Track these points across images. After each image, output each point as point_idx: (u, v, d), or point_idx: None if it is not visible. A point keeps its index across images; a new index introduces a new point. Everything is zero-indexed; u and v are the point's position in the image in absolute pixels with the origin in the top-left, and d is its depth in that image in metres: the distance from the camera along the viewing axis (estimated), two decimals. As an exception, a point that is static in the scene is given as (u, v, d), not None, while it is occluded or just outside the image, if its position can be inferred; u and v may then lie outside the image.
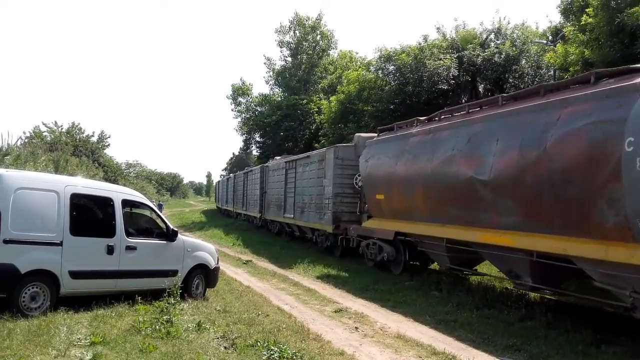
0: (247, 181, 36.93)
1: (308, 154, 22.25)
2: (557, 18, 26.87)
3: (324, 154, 19.33)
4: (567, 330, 8.64)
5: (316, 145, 36.69)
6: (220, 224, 37.89)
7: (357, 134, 19.10)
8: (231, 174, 52.49)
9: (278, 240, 26.06)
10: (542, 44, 26.75)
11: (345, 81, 36.00)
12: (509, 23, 30.53)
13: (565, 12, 21.55)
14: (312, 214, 20.17)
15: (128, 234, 9.69)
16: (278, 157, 30.65)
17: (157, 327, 7.56)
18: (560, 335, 8.45)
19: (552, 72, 25.13)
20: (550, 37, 27.32)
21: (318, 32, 55.35)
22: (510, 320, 9.51)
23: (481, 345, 8.16)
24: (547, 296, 11.15)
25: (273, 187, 27.34)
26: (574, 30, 18.77)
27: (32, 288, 8.33)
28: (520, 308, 10.02)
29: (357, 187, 17.58)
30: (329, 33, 55.74)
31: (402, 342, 8.23)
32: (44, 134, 44.82)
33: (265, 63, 58.85)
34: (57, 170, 23.77)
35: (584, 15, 17.19)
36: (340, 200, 17.95)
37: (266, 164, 30.57)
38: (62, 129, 46.87)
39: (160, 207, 48.83)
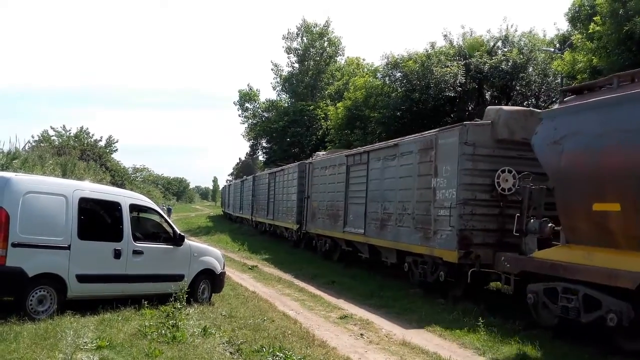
0: (274, 184, 29.65)
1: (395, 141, 15.20)
2: (564, 26, 26.91)
3: (434, 140, 12.56)
4: (572, 340, 8.62)
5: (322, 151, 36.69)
6: (226, 229, 37.94)
7: (491, 107, 12.72)
8: (246, 177, 45.36)
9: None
10: (549, 51, 26.74)
11: (352, 87, 36.06)
12: (516, 30, 30.53)
13: (573, 20, 21.59)
14: (407, 230, 13.37)
15: (135, 239, 9.74)
16: (322, 153, 24.33)
17: (163, 331, 7.59)
18: (565, 345, 8.43)
19: (559, 80, 25.11)
20: (557, 45, 27.34)
21: (325, 38, 55.50)
22: (515, 328, 9.48)
23: (486, 353, 8.16)
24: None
25: (322, 190, 20.27)
26: (582, 38, 18.79)
27: (40, 291, 8.39)
28: (526, 316, 9.97)
29: (499, 190, 11.28)
30: (336, 40, 55.90)
31: (408, 349, 8.24)
32: (52, 138, 45.23)
33: (272, 69, 59.12)
34: (64, 174, 23.90)
35: (592, 23, 17.22)
36: (471, 211, 11.43)
37: (309, 161, 23.48)
38: (70, 133, 47.31)
39: (169, 211, 48.97)
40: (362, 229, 16.00)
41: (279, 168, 30.15)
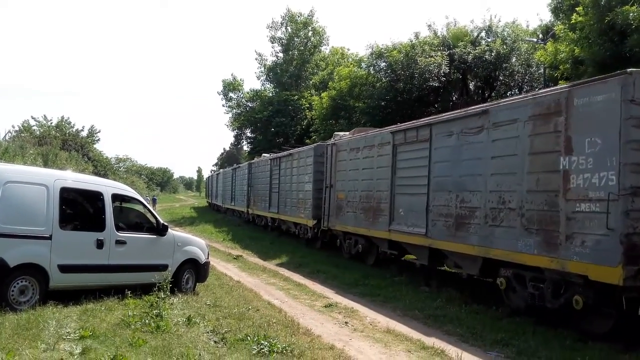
0: (279, 171, 24.97)
1: (483, 107, 11.08)
2: (547, 16, 27.16)
3: (564, 99, 8.56)
4: (555, 326, 8.73)
5: (307, 141, 36.67)
6: (211, 219, 37.82)
7: None
8: (239, 164, 41.75)
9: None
10: (532, 42, 26.93)
11: (336, 77, 36.07)
12: (499, 21, 30.77)
13: (556, 10, 21.72)
14: (509, 232, 9.48)
15: (118, 228, 9.65)
16: (342, 133, 19.81)
17: (147, 321, 7.55)
18: (547, 331, 8.54)
19: (542, 70, 25.30)
20: (540, 36, 27.54)
21: (310, 28, 55.38)
22: (498, 315, 9.59)
23: (470, 339, 8.24)
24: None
25: (353, 177, 16.40)
26: (564, 28, 18.91)
27: (21, 282, 8.29)
28: (509, 304, 10.08)
29: None
30: (320, 29, 55.83)
31: (392, 336, 8.28)
32: (33, 128, 44.69)
33: (256, 59, 58.98)
34: (46, 164, 23.70)
35: (574, 14, 17.33)
36: None
37: (331, 141, 18.87)
38: (51, 123, 46.76)
39: (154, 201, 48.81)
40: (421, 228, 12.25)
41: (286, 152, 25.21)
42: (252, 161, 33.89)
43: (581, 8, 16.90)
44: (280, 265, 16.31)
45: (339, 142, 17.81)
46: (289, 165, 23.59)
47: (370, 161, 15.25)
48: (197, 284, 11.07)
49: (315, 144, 21.73)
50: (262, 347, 6.80)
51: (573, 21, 17.40)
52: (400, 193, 13.56)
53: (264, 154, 32.24)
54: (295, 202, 22.02)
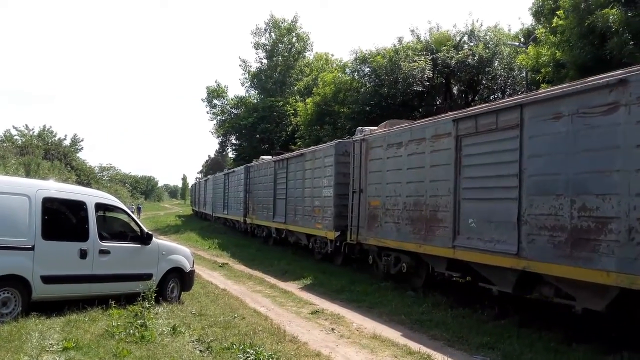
0: (286, 174, 21.48)
1: (621, 74, 7.43)
2: (528, 20, 27.41)
3: None
4: (539, 329, 8.78)
5: (292, 147, 36.63)
6: (196, 227, 37.61)
7: None
8: (233, 169, 37.52)
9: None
10: (514, 46, 27.18)
11: (321, 83, 36.10)
12: (481, 25, 31.04)
13: (537, 14, 21.97)
14: None
15: (101, 238, 9.57)
16: (370, 128, 15.58)
17: (131, 331, 7.48)
18: (532, 334, 8.58)
19: (524, 74, 25.53)
20: (522, 39, 27.81)
21: (294, 34, 55.56)
22: (484, 319, 9.63)
23: (456, 344, 8.27)
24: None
25: (392, 179, 13.23)
26: (545, 32, 19.13)
27: (3, 293, 8.19)
28: (494, 307, 10.13)
29: None
30: (304, 35, 56.03)
31: (378, 342, 8.29)
32: (15, 137, 44.23)
33: (240, 65, 59.02)
34: (28, 174, 23.47)
35: (555, 18, 17.54)
36: None
37: (359, 137, 15.13)
38: (33, 132, 46.36)
39: (139, 209, 48.60)
40: (509, 245, 9.12)
41: (295, 152, 22.31)
42: (251, 164, 29.50)
43: (562, 12, 17.10)
44: (267, 272, 16.25)
45: (370, 138, 14.42)
46: (299, 167, 20.12)
47: (419, 158, 12.06)
48: (182, 292, 11.01)
49: (335, 141, 18.04)
50: (248, 355, 6.77)
51: (554, 25, 17.60)
52: (470, 198, 10.36)
53: (262, 157, 28.91)
54: (308, 211, 18.66)
